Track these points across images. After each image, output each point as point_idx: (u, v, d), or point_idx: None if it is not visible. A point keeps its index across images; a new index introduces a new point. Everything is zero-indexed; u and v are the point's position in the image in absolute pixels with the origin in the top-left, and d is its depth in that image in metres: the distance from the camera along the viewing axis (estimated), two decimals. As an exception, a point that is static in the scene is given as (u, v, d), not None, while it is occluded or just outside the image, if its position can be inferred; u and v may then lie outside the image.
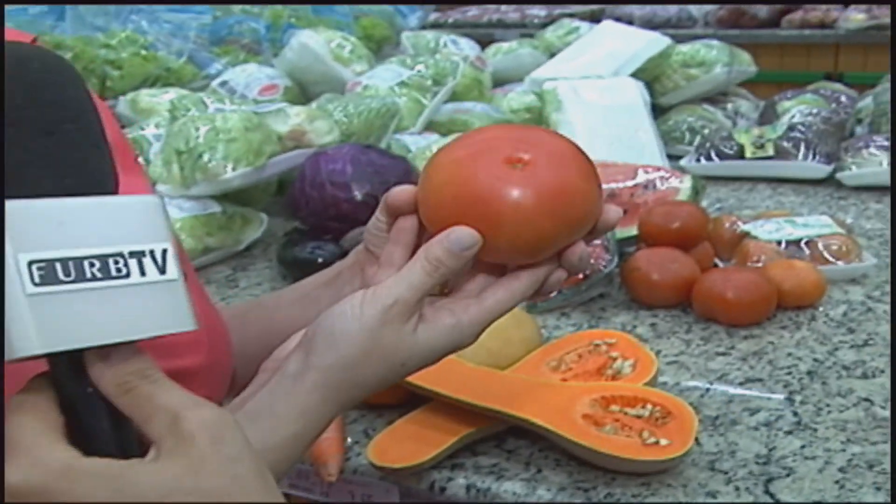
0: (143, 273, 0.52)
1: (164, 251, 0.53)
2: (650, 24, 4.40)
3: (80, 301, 0.49)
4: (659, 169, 1.56)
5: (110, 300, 0.50)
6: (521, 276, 0.70)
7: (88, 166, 0.55)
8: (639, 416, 0.99)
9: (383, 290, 0.67)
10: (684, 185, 1.51)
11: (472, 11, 5.07)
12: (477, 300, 0.70)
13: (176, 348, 0.72)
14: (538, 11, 4.77)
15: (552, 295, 1.36)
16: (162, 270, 0.53)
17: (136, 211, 0.53)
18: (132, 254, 0.52)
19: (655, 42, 2.36)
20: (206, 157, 1.59)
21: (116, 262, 0.51)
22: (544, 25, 3.00)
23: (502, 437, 1.05)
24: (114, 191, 0.67)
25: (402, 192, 0.72)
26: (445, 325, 0.69)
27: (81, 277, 0.49)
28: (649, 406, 0.99)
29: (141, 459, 0.50)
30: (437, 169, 0.70)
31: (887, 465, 0.96)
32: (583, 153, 0.70)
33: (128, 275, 0.51)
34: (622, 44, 2.34)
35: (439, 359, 0.71)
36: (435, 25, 4.69)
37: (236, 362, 0.88)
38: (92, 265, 0.50)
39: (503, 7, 5.05)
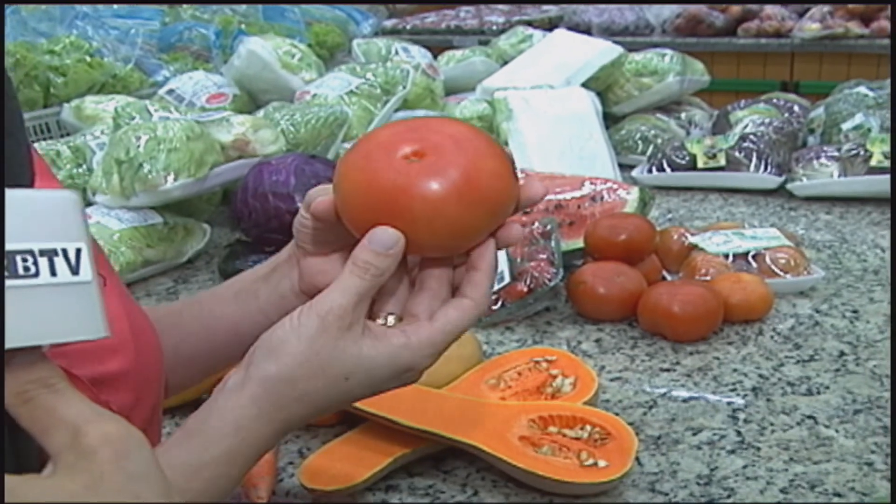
0: (53, 273, 0.47)
1: (79, 251, 0.49)
2: (608, 32, 4.41)
3: None
4: (606, 180, 1.54)
5: (15, 301, 0.46)
6: (471, 294, 0.69)
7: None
8: (577, 438, 0.97)
9: (319, 300, 0.66)
10: (631, 197, 1.49)
11: (431, 18, 5.04)
12: (429, 321, 0.69)
13: (99, 353, 0.69)
14: (496, 18, 4.75)
15: (495, 308, 1.34)
16: (75, 271, 0.48)
17: (50, 206, 0.48)
18: (43, 252, 0.47)
19: (608, 51, 2.35)
20: (146, 168, 1.55)
21: (25, 260, 0.46)
22: (502, 32, 2.98)
23: (439, 457, 1.02)
24: (30, 184, 0.64)
25: (322, 203, 0.71)
26: (393, 343, 0.67)
27: None
28: (588, 427, 0.97)
29: (37, 475, 0.47)
30: (342, 178, 0.69)
31: (829, 486, 0.95)
32: (484, 135, 0.70)
33: (36, 274, 0.46)
34: (574, 53, 2.33)
35: (389, 380, 0.68)
36: (393, 31, 4.67)
37: (172, 361, 0.85)
38: None
39: (461, 13, 5.03)
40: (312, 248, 0.76)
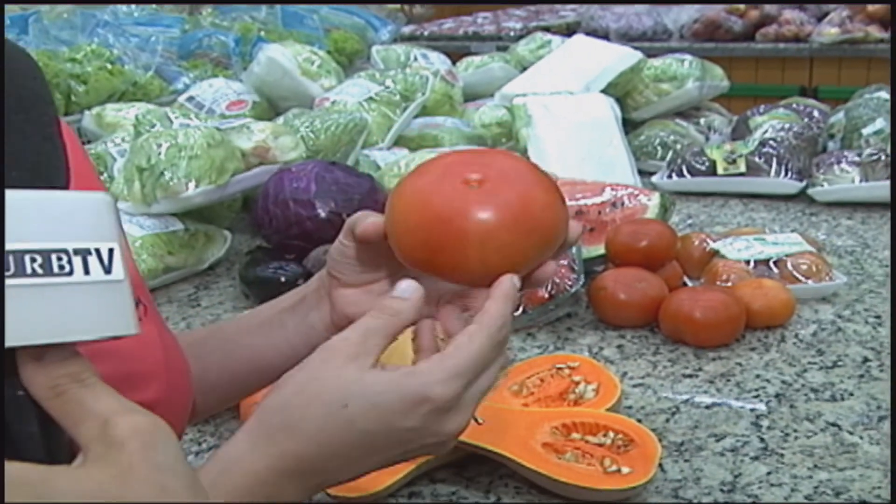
0: (87, 272, 0.49)
1: (111, 251, 0.50)
2: (626, 37, 4.40)
3: (17, 297, 0.46)
4: (627, 186, 1.54)
5: (50, 298, 0.47)
6: (478, 318, 0.67)
7: (38, 159, 0.53)
8: (600, 444, 0.97)
9: (333, 337, 0.66)
10: (652, 203, 1.49)
11: (448, 24, 5.05)
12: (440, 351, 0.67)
13: (135, 380, 0.69)
14: (514, 24, 4.75)
15: (517, 315, 1.34)
16: (107, 270, 0.50)
17: (84, 208, 0.50)
18: (77, 251, 0.48)
19: (627, 57, 2.34)
20: (167, 175, 1.56)
21: (59, 259, 0.48)
22: (520, 38, 2.98)
23: (462, 463, 1.02)
24: (65, 186, 0.65)
25: (370, 225, 0.72)
26: (399, 371, 0.64)
27: (21, 272, 0.46)
28: (611, 433, 0.97)
29: (67, 466, 0.48)
30: (398, 199, 0.70)
31: (854, 493, 0.94)
32: (539, 169, 0.72)
33: (71, 272, 0.48)
34: (593, 59, 2.33)
35: (401, 414, 0.63)
36: (411, 38, 4.68)
37: (195, 391, 0.86)
38: (33, 260, 0.47)
39: (479, 20, 5.03)
40: (350, 279, 0.76)
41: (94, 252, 0.49)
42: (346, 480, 0.67)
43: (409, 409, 0.63)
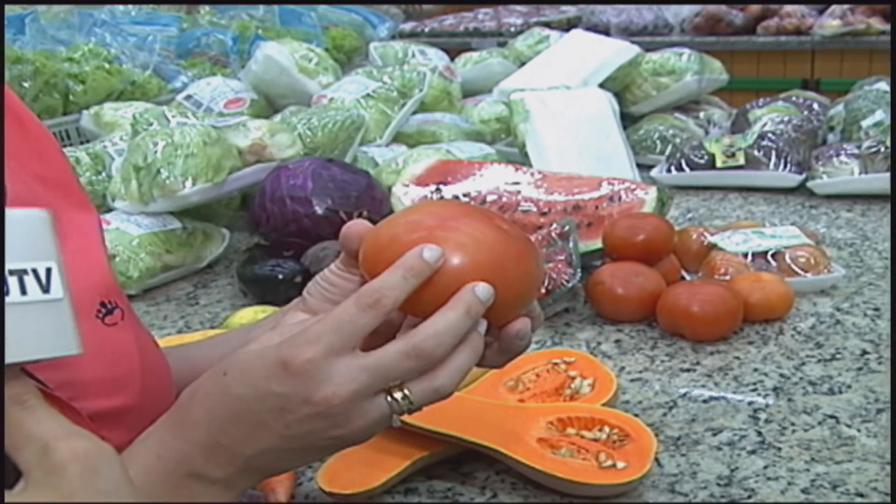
0: (23, 292, 0.48)
1: (49, 270, 0.49)
2: (626, 32, 4.40)
3: None
4: (623, 181, 1.53)
5: None
6: (353, 296, 0.65)
7: None
8: (596, 439, 0.96)
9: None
10: (649, 197, 1.49)
11: (449, 20, 5.04)
12: None
13: (108, 387, 0.69)
14: (514, 20, 4.75)
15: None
16: (45, 290, 0.49)
17: (19, 225, 0.49)
18: (12, 272, 0.47)
19: (625, 51, 2.34)
20: (163, 173, 1.56)
21: None
22: (520, 34, 2.98)
23: (458, 459, 1.02)
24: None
25: (357, 223, 0.72)
26: (273, 339, 0.66)
27: None
28: (607, 428, 0.97)
29: (9, 492, 0.47)
30: (382, 222, 0.71)
31: (851, 486, 0.94)
32: (521, 234, 0.73)
33: (6, 294, 0.47)
34: (591, 53, 2.32)
35: (266, 378, 0.63)
36: (411, 35, 4.68)
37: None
38: None
39: (480, 16, 5.03)
40: (315, 305, 0.75)
41: (30, 272, 0.48)
42: (267, 464, 0.66)
43: (272, 373, 0.62)
